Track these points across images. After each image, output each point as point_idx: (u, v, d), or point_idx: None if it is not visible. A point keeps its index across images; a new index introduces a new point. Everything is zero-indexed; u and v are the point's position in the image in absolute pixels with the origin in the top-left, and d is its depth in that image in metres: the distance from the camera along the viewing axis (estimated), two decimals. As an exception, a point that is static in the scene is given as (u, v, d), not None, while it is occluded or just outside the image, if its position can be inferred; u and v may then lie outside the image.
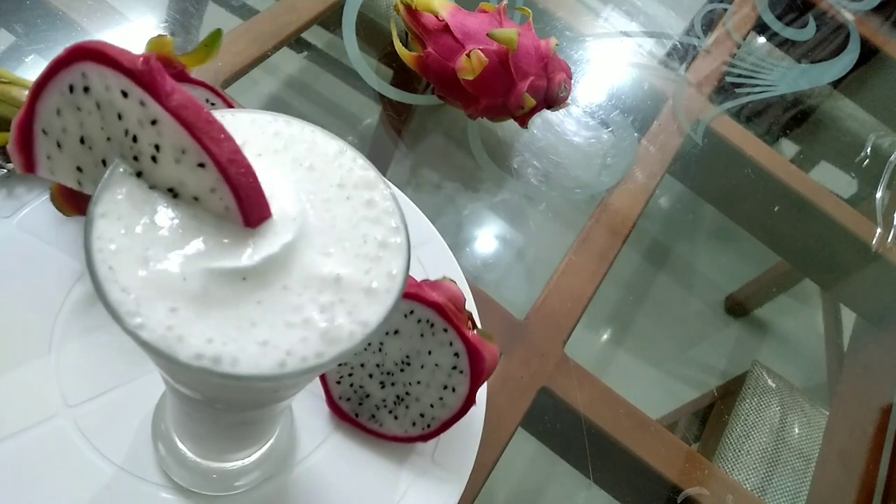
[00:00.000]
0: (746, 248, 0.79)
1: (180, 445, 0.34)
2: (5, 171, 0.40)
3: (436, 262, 0.44)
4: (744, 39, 0.77)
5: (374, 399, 0.37)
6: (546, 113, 0.57)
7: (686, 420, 0.77)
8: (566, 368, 0.47)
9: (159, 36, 0.35)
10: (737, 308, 1.05)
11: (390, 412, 0.37)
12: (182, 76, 0.36)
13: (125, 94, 0.20)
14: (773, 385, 0.71)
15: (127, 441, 0.35)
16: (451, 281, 0.36)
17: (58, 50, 0.25)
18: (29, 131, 0.22)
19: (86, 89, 0.21)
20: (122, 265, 0.20)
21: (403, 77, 0.59)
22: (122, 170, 0.21)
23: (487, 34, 0.50)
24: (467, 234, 0.55)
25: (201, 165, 0.20)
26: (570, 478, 0.47)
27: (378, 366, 0.36)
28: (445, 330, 0.34)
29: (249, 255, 0.20)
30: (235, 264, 0.20)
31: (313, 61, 0.65)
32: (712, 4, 0.80)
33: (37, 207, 0.39)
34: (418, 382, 0.36)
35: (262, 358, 0.19)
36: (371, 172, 0.24)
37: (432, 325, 0.35)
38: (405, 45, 0.55)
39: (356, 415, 0.37)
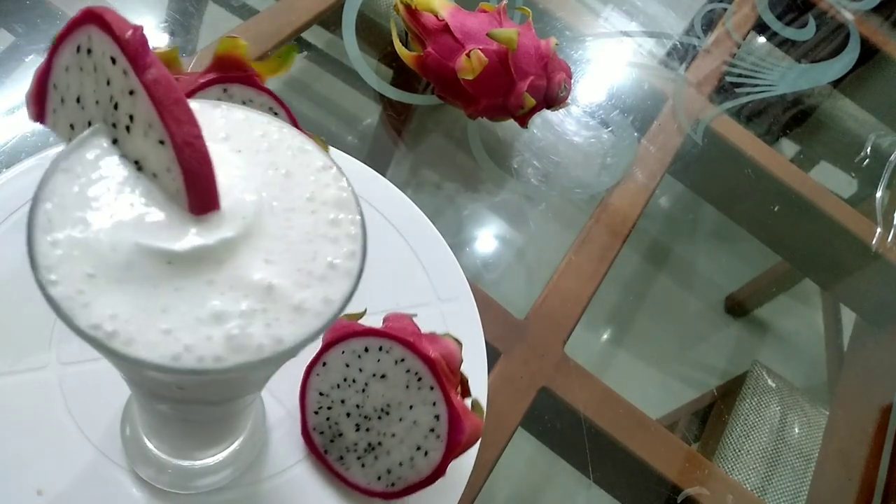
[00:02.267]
0: (746, 247, 0.79)
1: (143, 436, 0.33)
2: None
3: (426, 247, 0.44)
4: (744, 39, 0.77)
5: (347, 440, 0.35)
6: (546, 113, 0.57)
7: (686, 420, 0.77)
8: (566, 368, 0.47)
9: (232, 37, 0.35)
10: (737, 308, 1.05)
11: (359, 458, 0.35)
12: (250, 80, 0.36)
13: (114, 61, 0.20)
14: (773, 385, 0.71)
15: (105, 418, 0.34)
16: (456, 340, 0.35)
17: None
18: (45, 83, 0.23)
19: (89, 51, 0.21)
20: (61, 221, 0.20)
21: (403, 77, 0.59)
22: (100, 133, 0.21)
23: (487, 34, 0.50)
24: (467, 234, 0.55)
25: (162, 143, 0.20)
26: (570, 478, 0.47)
27: (358, 406, 0.35)
28: (432, 388, 0.33)
29: (182, 241, 0.20)
30: (165, 246, 0.20)
31: (313, 61, 0.65)
32: (712, 4, 0.80)
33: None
34: (393, 435, 0.34)
35: (158, 346, 0.19)
36: (349, 195, 0.23)
37: (420, 379, 0.33)
38: (405, 44, 0.55)
39: (325, 451, 0.35)
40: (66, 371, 0.35)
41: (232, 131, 0.23)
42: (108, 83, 0.21)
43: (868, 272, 0.68)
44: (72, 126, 0.23)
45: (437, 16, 0.52)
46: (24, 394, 0.34)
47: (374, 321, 0.35)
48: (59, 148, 0.40)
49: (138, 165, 0.21)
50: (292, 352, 0.20)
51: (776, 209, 0.68)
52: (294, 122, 0.38)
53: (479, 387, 0.40)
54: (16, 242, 0.36)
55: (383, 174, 0.46)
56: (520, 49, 0.50)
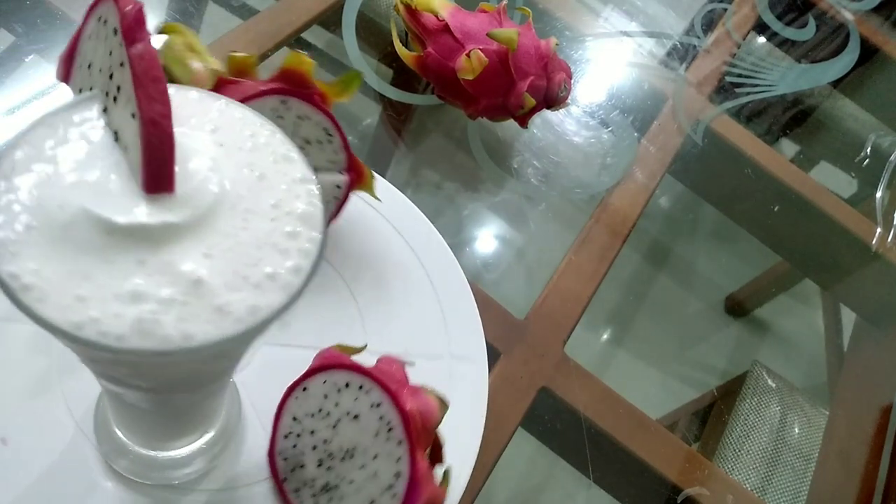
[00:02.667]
0: (746, 247, 0.79)
1: (109, 418, 0.33)
2: None
3: (436, 263, 0.44)
4: (744, 39, 0.77)
5: (307, 474, 0.34)
6: (546, 113, 0.57)
7: (686, 420, 0.77)
8: (566, 368, 0.47)
9: (298, 52, 0.36)
10: (737, 308, 1.05)
11: (314, 496, 0.33)
12: (309, 98, 0.36)
13: (116, 32, 0.21)
14: (773, 385, 0.72)
15: (90, 395, 0.34)
16: (440, 399, 0.32)
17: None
18: (74, 47, 0.25)
19: (105, 21, 0.22)
20: (23, 169, 0.20)
21: (403, 77, 0.59)
22: (94, 99, 0.22)
23: (487, 34, 0.50)
24: (467, 234, 0.55)
25: (134, 116, 0.20)
26: (570, 478, 0.47)
27: (325, 442, 0.33)
28: (399, 443, 0.31)
29: (126, 214, 0.20)
30: (107, 215, 0.19)
31: (313, 61, 0.65)
32: (712, 4, 0.80)
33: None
34: (351, 482, 0.32)
35: (67, 311, 0.18)
36: (317, 213, 0.23)
37: (390, 430, 0.31)
38: (405, 45, 0.55)
39: (284, 479, 0.34)
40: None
41: (222, 125, 0.23)
42: (111, 53, 0.22)
43: (868, 272, 0.68)
44: (80, 90, 0.25)
45: (437, 16, 0.52)
46: (17, 341, 0.33)
47: (370, 359, 0.34)
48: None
49: (116, 136, 0.21)
50: (200, 352, 0.19)
51: (776, 209, 0.68)
52: (346, 148, 0.38)
53: (467, 454, 0.38)
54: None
55: (383, 174, 0.46)
56: (520, 49, 0.50)
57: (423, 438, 0.31)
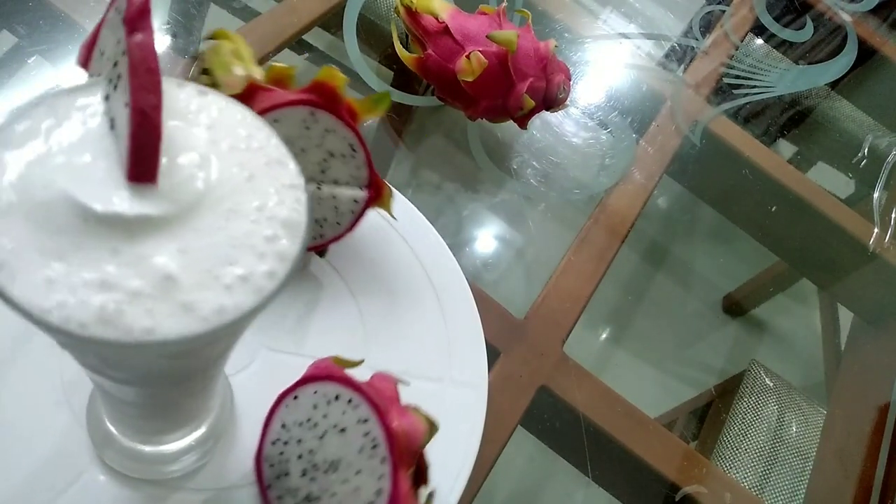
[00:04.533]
0: (744, 248, 0.79)
1: (103, 416, 0.33)
2: None
3: (459, 322, 0.43)
4: (742, 41, 0.77)
5: (290, 482, 0.33)
6: (545, 114, 0.57)
7: (684, 419, 0.77)
8: (565, 367, 0.47)
9: (332, 67, 0.36)
10: (734, 307, 1.05)
11: None
12: (338, 112, 0.37)
13: (123, 22, 0.21)
14: (771, 384, 0.72)
15: (88, 390, 0.34)
16: (429, 421, 0.32)
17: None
18: (96, 35, 0.26)
19: (118, 10, 0.22)
20: (16, 145, 0.20)
21: (404, 78, 0.59)
22: (98, 86, 0.22)
23: (487, 36, 0.50)
24: (467, 235, 0.55)
25: (127, 105, 0.20)
26: (568, 476, 0.48)
27: (311, 452, 0.33)
28: (383, 460, 0.30)
29: (104, 202, 0.19)
30: (85, 201, 0.19)
31: (314, 63, 0.65)
32: (710, 6, 0.81)
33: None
34: (333, 494, 0.32)
35: (35, 293, 0.18)
36: (302, 220, 0.22)
37: (374, 447, 0.31)
38: (405, 46, 0.55)
39: (269, 485, 0.34)
40: None
41: (219, 123, 0.23)
42: (118, 42, 0.21)
43: (865, 272, 0.68)
44: (91, 76, 0.26)
45: (437, 18, 0.52)
46: (20, 328, 0.33)
47: (365, 374, 0.34)
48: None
49: (112, 124, 0.21)
50: (162, 347, 0.19)
51: (774, 209, 0.68)
52: (370, 165, 0.39)
53: (457, 481, 0.38)
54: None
55: (384, 175, 0.46)
56: (519, 51, 0.50)
57: (406, 458, 0.31)
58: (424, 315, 0.43)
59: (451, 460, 0.38)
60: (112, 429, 0.33)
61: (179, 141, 0.22)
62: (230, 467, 0.35)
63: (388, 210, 0.41)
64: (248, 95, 0.35)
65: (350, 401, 0.32)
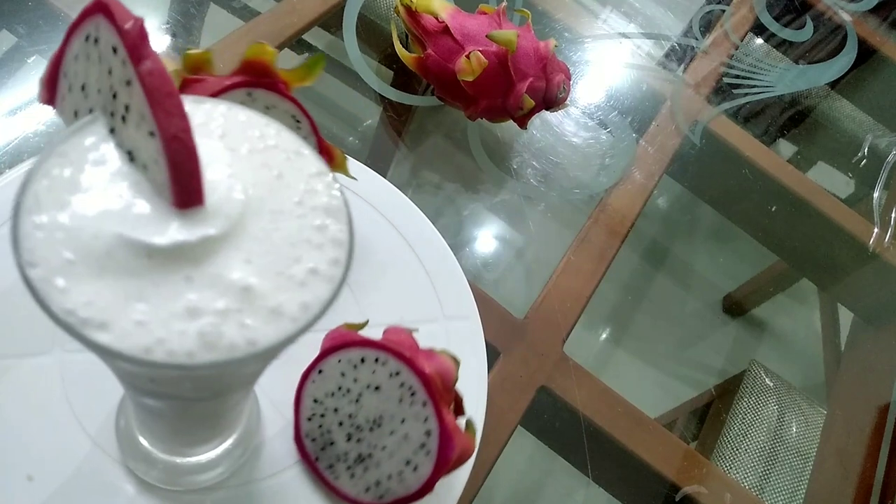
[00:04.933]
0: (744, 247, 0.79)
1: (136, 432, 0.33)
2: None
3: (435, 262, 0.44)
4: (742, 40, 0.77)
5: (337, 449, 0.35)
6: (545, 114, 0.57)
7: (684, 419, 0.77)
8: (565, 367, 0.47)
9: (261, 42, 0.35)
10: (734, 307, 1.05)
11: (348, 468, 0.35)
12: (275, 87, 0.36)
13: (115, 51, 0.20)
14: (771, 384, 0.72)
15: (103, 410, 0.34)
16: (453, 358, 0.34)
17: None
18: (57, 69, 0.24)
19: (96, 41, 0.21)
20: (48, 203, 0.19)
21: (404, 78, 0.59)
22: (98, 122, 0.21)
23: (487, 36, 0.50)
24: (467, 235, 0.55)
25: (152, 134, 0.20)
26: (568, 476, 0.48)
27: (350, 416, 0.35)
28: (424, 404, 0.32)
29: (163, 235, 0.20)
30: (146, 239, 0.19)
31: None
32: (710, 6, 0.81)
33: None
34: (383, 448, 0.34)
35: (130, 336, 0.19)
36: (340, 204, 0.23)
37: (413, 394, 0.33)
38: (405, 46, 0.55)
39: (316, 458, 0.35)
40: (68, 358, 0.34)
41: (229, 130, 0.23)
42: (110, 73, 0.21)
43: (865, 272, 0.68)
44: (76, 113, 0.24)
45: (437, 17, 0.52)
46: (24, 378, 0.34)
47: (375, 333, 0.35)
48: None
49: (131, 156, 0.21)
50: (266, 354, 0.20)
51: (774, 209, 0.68)
52: (315, 132, 0.38)
53: (478, 405, 0.40)
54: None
55: (384, 175, 0.46)
56: (519, 51, 0.50)
57: (445, 396, 0.33)
58: (405, 270, 0.44)
59: (469, 388, 0.38)
60: (147, 445, 0.33)
61: (202, 156, 0.22)
62: (267, 456, 0.36)
63: (346, 172, 0.41)
64: (181, 90, 0.35)
65: (377, 360, 0.34)
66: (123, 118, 0.21)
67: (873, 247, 0.67)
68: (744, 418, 0.69)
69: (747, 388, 0.71)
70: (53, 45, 0.52)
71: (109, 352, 0.18)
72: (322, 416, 0.35)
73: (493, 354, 0.45)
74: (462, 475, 0.38)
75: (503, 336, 0.47)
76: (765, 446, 0.67)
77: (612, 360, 0.99)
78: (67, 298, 0.18)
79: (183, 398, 0.26)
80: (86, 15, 0.22)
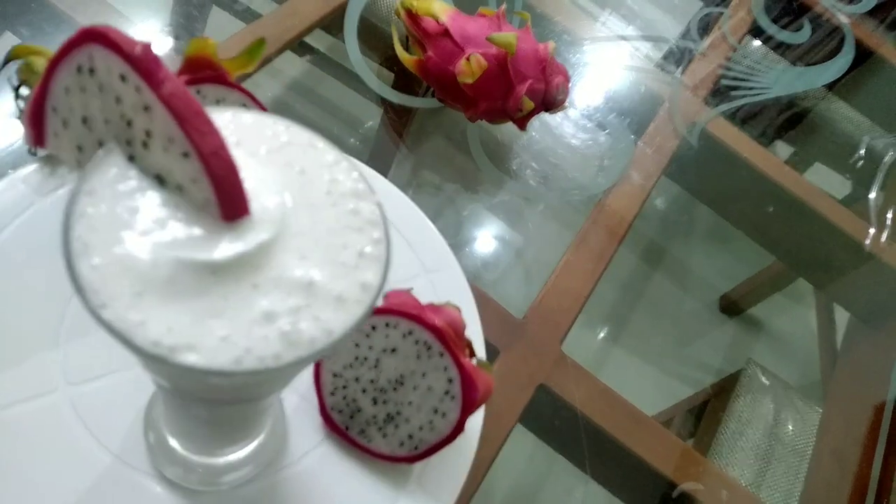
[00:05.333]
0: (741, 248, 0.79)
1: (168, 437, 0.34)
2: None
3: (435, 260, 0.45)
4: (739, 42, 0.78)
5: (366, 414, 0.37)
6: (544, 115, 0.58)
7: (681, 417, 0.78)
8: (563, 366, 0.47)
9: (202, 38, 0.35)
10: (731, 307, 1.06)
11: (380, 430, 0.36)
12: (221, 79, 0.36)
13: (123, 79, 0.20)
14: (767, 383, 0.72)
15: (122, 427, 0.34)
16: (455, 307, 0.36)
17: None
18: (41, 106, 0.23)
19: (91, 71, 0.21)
20: (96, 243, 0.20)
21: (404, 80, 0.60)
22: (114, 152, 0.21)
23: (487, 38, 0.50)
24: (467, 235, 0.55)
25: (186, 155, 0.20)
26: (567, 474, 0.48)
27: (372, 381, 0.36)
28: (441, 354, 0.34)
29: (222, 249, 0.20)
30: (207, 257, 0.20)
31: (315, 65, 0.65)
32: (708, 8, 0.81)
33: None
34: (410, 403, 0.36)
35: (219, 352, 0.19)
36: (363, 185, 0.24)
37: (429, 349, 0.35)
38: (406, 48, 0.55)
39: (346, 428, 0.37)
40: (76, 391, 0.34)
41: (242, 136, 0.24)
42: (118, 101, 0.21)
43: (861, 272, 0.69)
44: (79, 148, 0.23)
45: (437, 20, 0.52)
46: (39, 419, 0.33)
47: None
48: (31, 166, 0.40)
49: (160, 180, 0.21)
50: (342, 340, 0.21)
51: (771, 210, 0.69)
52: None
53: (478, 348, 0.41)
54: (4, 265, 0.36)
55: (384, 175, 0.47)
56: (518, 53, 0.51)
57: (458, 343, 0.35)
58: (406, 271, 0.45)
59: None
60: (182, 450, 0.34)
61: None
62: (298, 440, 0.37)
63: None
64: None
65: (388, 324, 0.35)
66: (145, 144, 0.21)
67: (869, 247, 0.67)
68: (740, 417, 0.69)
69: (744, 386, 0.71)
70: (56, 47, 0.53)
71: (203, 371, 0.19)
72: (344, 387, 0.37)
73: (492, 353, 0.45)
74: (461, 473, 0.38)
75: (502, 335, 0.47)
76: (761, 444, 0.68)
77: (610, 359, 0.99)
78: (149, 330, 0.19)
79: (239, 401, 0.27)
80: (71, 46, 0.21)
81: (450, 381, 0.35)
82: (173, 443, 0.34)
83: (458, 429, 0.35)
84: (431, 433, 0.35)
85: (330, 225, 0.22)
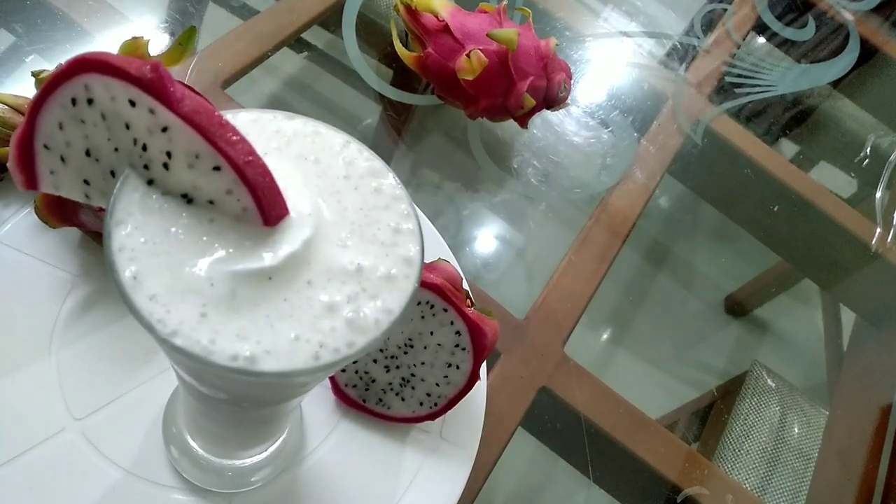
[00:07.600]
0: (746, 247, 0.79)
1: (193, 445, 0.34)
2: None
3: (428, 250, 0.45)
4: (743, 39, 0.77)
5: (380, 383, 0.37)
6: (546, 113, 0.57)
7: (686, 420, 0.77)
8: (566, 368, 0.47)
9: (133, 38, 0.35)
10: (736, 308, 1.05)
11: (397, 394, 0.37)
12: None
13: (133, 104, 0.20)
14: (773, 385, 0.72)
15: (136, 446, 0.35)
16: (446, 261, 0.37)
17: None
18: (29, 148, 0.22)
19: (89, 101, 0.20)
20: (145, 274, 0.20)
21: (403, 77, 0.59)
22: (132, 179, 0.21)
23: (487, 34, 0.50)
24: (467, 234, 0.55)
25: (216, 169, 0.20)
26: (569, 477, 0.47)
27: (381, 350, 0.37)
28: (445, 310, 0.35)
29: (272, 254, 0.20)
30: (260, 265, 0.20)
31: (313, 61, 0.65)
32: (712, 4, 0.81)
33: (18, 222, 0.39)
34: (422, 363, 0.36)
35: (295, 353, 0.20)
36: (377, 163, 0.24)
37: (432, 307, 0.35)
38: (405, 45, 0.55)
39: (363, 400, 0.38)
40: (85, 425, 0.35)
41: (248, 136, 0.23)
42: (128, 127, 0.20)
43: (868, 272, 0.68)
44: (86, 181, 0.22)
45: (437, 16, 0.52)
46: (53, 459, 0.33)
47: None
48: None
49: (187, 198, 0.21)
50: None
51: (776, 209, 0.68)
52: None
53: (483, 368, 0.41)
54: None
55: (383, 174, 0.46)
56: (520, 49, 0.50)
57: (458, 295, 0.36)
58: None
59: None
60: (212, 457, 0.34)
61: None
62: (310, 433, 0.38)
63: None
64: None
65: None
66: (166, 165, 0.20)
67: (876, 247, 0.66)
68: (746, 419, 0.68)
69: (749, 388, 0.71)
70: (52, 45, 0.52)
71: (285, 375, 0.19)
72: (354, 361, 0.37)
73: (493, 355, 0.45)
74: (471, 453, 0.38)
75: (503, 336, 0.46)
76: (767, 447, 0.67)
77: (613, 361, 0.98)
78: (223, 348, 0.19)
79: (285, 399, 0.27)
80: (60, 79, 0.20)
81: (458, 333, 0.35)
82: (197, 449, 0.34)
83: (474, 377, 0.36)
84: (448, 387, 0.37)
85: (359, 207, 0.23)
